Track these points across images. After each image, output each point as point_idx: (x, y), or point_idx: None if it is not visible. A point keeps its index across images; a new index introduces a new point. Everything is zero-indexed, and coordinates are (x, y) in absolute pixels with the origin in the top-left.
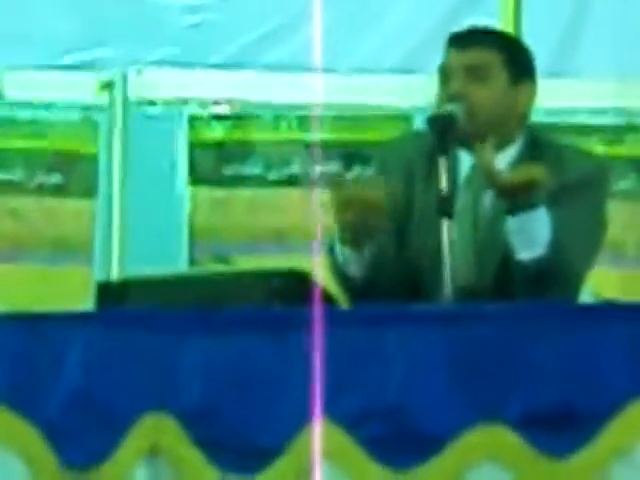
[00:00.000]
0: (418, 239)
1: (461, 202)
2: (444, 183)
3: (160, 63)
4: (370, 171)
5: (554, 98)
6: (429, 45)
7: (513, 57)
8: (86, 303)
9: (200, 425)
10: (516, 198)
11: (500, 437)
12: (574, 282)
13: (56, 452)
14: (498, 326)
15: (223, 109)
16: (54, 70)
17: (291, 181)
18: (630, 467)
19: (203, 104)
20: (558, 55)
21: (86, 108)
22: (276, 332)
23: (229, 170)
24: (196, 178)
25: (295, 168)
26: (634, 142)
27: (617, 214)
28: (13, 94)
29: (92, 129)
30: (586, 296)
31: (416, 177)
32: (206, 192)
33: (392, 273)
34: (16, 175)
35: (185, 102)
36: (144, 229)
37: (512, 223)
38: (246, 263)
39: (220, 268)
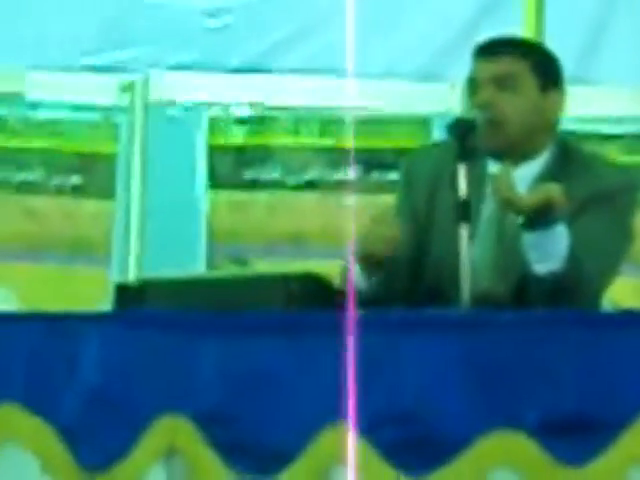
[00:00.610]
0: (440, 246)
1: (487, 211)
2: (463, 189)
3: (181, 66)
4: (392, 177)
5: (574, 106)
6: (450, 52)
7: (541, 65)
8: (103, 303)
9: (216, 426)
10: (533, 218)
11: (516, 444)
12: (592, 295)
13: (72, 452)
14: (515, 333)
15: (243, 113)
16: (76, 71)
17: (310, 185)
18: None
19: (223, 107)
20: (579, 63)
21: (107, 110)
22: (293, 335)
23: (248, 174)
24: (215, 181)
25: (314, 173)
26: None
27: None
28: (34, 95)
29: (112, 131)
30: (604, 304)
31: (441, 185)
32: (225, 195)
33: (402, 291)
34: (36, 175)
35: (205, 105)
36: (163, 231)
37: (529, 238)
38: (264, 266)
39: (238, 271)
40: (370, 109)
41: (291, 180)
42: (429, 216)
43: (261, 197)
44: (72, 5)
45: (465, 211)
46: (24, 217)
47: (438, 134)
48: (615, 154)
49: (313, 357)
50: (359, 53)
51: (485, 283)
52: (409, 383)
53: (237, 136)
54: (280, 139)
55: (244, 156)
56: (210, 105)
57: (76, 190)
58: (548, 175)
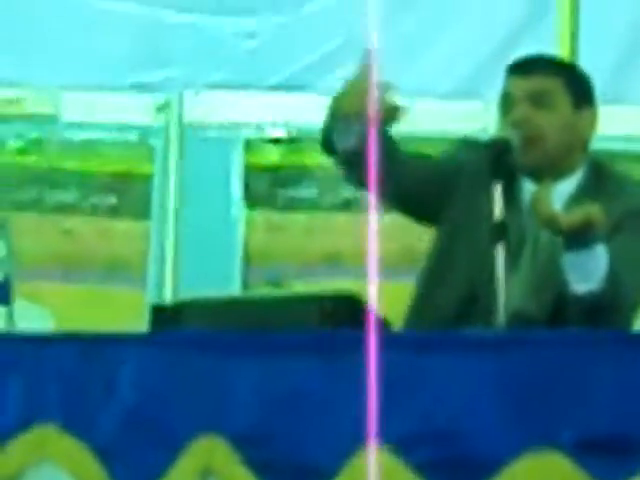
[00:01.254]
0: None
1: (522, 231)
2: (498, 210)
3: (217, 86)
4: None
5: (607, 125)
6: (485, 71)
7: (574, 83)
8: (138, 324)
9: (252, 447)
10: (573, 237)
11: (553, 463)
12: (630, 315)
13: (108, 472)
14: (550, 352)
15: (279, 132)
16: (111, 92)
17: (345, 205)
18: None
19: (259, 127)
20: (612, 82)
21: (142, 130)
22: (328, 355)
23: (284, 194)
24: (251, 201)
25: (350, 192)
26: None
27: None
28: (70, 115)
29: (148, 151)
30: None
31: (478, 195)
32: (261, 216)
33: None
34: (71, 195)
35: (241, 125)
36: (198, 252)
37: (568, 258)
38: (300, 287)
39: (273, 292)
40: (404, 128)
41: (327, 200)
42: (467, 224)
43: (297, 217)
44: (107, 26)
45: (500, 232)
46: (60, 237)
47: None
48: None
49: (348, 377)
50: (393, 72)
51: (518, 303)
52: (443, 403)
53: (272, 156)
54: (315, 159)
55: (279, 176)
56: (245, 125)
57: (111, 210)
58: (582, 193)
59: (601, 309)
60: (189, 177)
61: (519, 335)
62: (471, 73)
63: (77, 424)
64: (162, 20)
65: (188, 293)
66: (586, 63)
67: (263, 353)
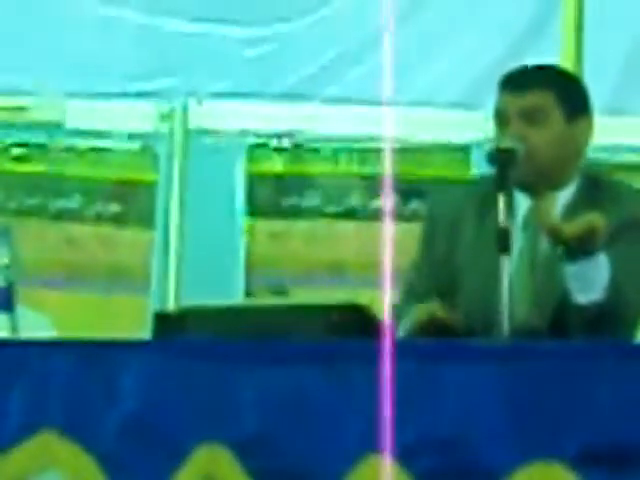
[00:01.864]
0: (471, 281)
1: (518, 244)
2: (502, 219)
3: (220, 94)
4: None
5: (615, 135)
6: (488, 80)
7: (567, 94)
8: (141, 332)
9: (255, 456)
10: (575, 247)
11: (556, 475)
12: (631, 323)
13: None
14: (555, 363)
15: (282, 141)
16: (115, 100)
17: (349, 214)
18: None
19: (262, 136)
20: (618, 93)
21: (146, 138)
22: (333, 364)
23: (287, 202)
24: (254, 209)
25: (353, 201)
26: None
27: None
28: (74, 122)
29: (151, 159)
30: None
31: (466, 222)
32: (264, 223)
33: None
34: (75, 203)
35: (245, 134)
36: (201, 259)
37: (570, 269)
38: (302, 295)
39: (278, 300)
40: (409, 138)
41: (330, 208)
42: (452, 256)
43: (300, 225)
44: (112, 33)
45: (504, 242)
46: (63, 245)
47: (477, 162)
48: None
49: (352, 386)
50: (397, 82)
51: (519, 314)
52: (448, 413)
53: (276, 164)
54: (319, 167)
55: (283, 184)
56: (249, 133)
57: (115, 218)
58: (577, 205)
59: (603, 319)
60: (193, 185)
61: (524, 346)
62: (473, 83)
63: (80, 431)
64: (166, 28)
65: (191, 300)
66: (590, 74)
67: (267, 362)
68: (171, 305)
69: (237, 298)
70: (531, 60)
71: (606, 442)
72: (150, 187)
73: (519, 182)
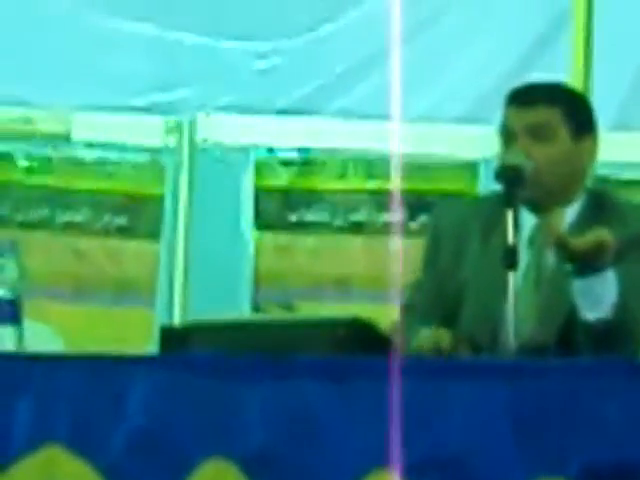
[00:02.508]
0: (476, 298)
1: (524, 261)
2: (511, 235)
3: (228, 108)
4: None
5: (623, 151)
6: (496, 96)
7: (574, 112)
8: (147, 345)
9: (261, 471)
10: (584, 262)
11: None
12: (638, 341)
13: None
14: (561, 381)
15: (290, 155)
16: (122, 113)
17: (356, 228)
18: None
19: (270, 149)
20: (626, 108)
21: (153, 151)
22: (339, 380)
23: (294, 216)
24: (261, 223)
25: (360, 215)
26: None
27: None
28: (81, 135)
29: (159, 172)
30: None
31: (470, 238)
32: (270, 237)
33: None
34: (82, 216)
35: (252, 147)
36: (208, 273)
37: (578, 284)
38: (308, 309)
39: (284, 315)
40: (416, 152)
41: (337, 223)
42: (457, 271)
43: (307, 239)
44: (119, 46)
45: (512, 259)
46: (70, 257)
47: (484, 178)
48: None
49: (359, 402)
50: (405, 96)
51: (525, 331)
52: (454, 430)
53: (283, 178)
54: (326, 181)
55: (290, 198)
56: (257, 147)
57: (122, 231)
58: (582, 223)
59: (611, 337)
60: (199, 198)
61: (529, 364)
62: (480, 99)
63: (85, 445)
64: (174, 42)
65: (198, 314)
66: (599, 90)
67: (274, 377)
68: (177, 318)
69: (243, 311)
70: (539, 76)
71: (612, 460)
72: (157, 200)
73: (526, 199)
